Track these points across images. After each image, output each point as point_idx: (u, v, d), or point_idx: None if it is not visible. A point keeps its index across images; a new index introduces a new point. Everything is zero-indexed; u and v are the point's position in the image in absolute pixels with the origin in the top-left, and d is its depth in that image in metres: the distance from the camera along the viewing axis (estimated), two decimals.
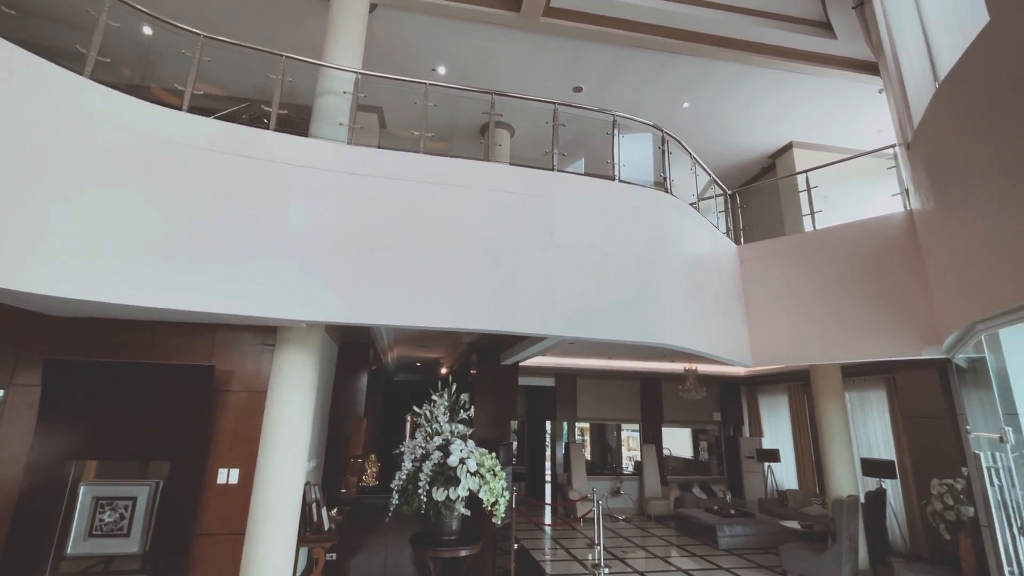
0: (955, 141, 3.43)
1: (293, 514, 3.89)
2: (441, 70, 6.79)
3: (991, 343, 3.86)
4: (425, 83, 4.71)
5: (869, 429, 8.06)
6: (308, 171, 3.90)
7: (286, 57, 4.32)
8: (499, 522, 4.64)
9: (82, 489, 3.59)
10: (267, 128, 4.02)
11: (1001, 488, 3.75)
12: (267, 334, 4.24)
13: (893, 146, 5.65)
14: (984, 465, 3.92)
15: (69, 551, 3.49)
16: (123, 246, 3.22)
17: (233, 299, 3.45)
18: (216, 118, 3.86)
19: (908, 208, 5.26)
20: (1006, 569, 3.63)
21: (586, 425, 11.97)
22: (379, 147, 4.53)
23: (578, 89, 7.09)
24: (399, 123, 7.28)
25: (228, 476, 3.91)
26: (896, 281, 5.09)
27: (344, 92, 4.61)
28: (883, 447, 7.74)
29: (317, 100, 4.69)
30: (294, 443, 3.94)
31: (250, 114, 4.80)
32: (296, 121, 4.57)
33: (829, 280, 5.54)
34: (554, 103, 5.05)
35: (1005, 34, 2.66)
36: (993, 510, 3.85)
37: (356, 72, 4.66)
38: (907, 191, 5.29)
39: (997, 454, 3.79)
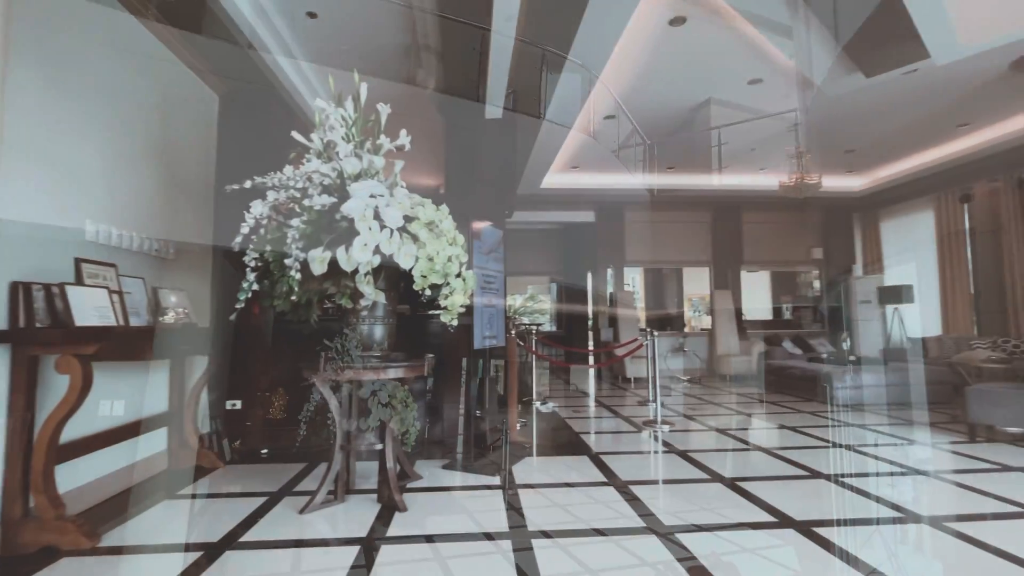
0: (841, 111, 3.75)
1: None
2: None
3: None
4: None
5: None
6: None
7: None
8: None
9: None
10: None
11: None
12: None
13: (794, 111, 6.07)
14: None
15: None
16: None
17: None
18: None
19: (799, 170, 5.76)
20: None
21: (639, 273, 9.77)
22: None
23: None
24: None
25: (112, 408, 3.62)
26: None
27: None
28: None
29: None
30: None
31: None
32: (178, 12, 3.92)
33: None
34: (483, 28, 4.79)
35: (900, 10, 2.87)
36: None
37: None
38: (801, 154, 5.77)
39: None
